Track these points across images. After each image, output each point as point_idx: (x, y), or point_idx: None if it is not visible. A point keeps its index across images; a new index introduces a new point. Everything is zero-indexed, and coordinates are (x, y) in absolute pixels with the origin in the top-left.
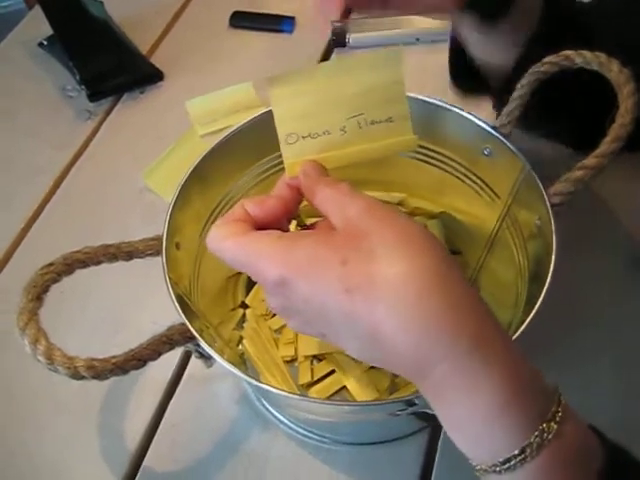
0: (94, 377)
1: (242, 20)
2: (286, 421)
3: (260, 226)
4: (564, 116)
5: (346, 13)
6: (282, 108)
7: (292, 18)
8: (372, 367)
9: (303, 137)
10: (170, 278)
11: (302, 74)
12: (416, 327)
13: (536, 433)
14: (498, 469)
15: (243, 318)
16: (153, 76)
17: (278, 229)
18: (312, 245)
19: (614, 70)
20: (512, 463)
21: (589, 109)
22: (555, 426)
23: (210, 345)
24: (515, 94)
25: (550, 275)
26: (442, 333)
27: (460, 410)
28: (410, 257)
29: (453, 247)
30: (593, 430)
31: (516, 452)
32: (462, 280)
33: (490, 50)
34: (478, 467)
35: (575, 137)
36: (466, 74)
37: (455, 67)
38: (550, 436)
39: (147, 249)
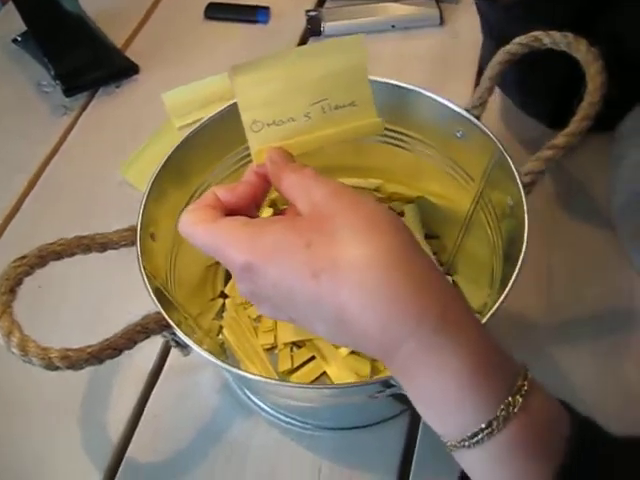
0: (69, 367)
1: (217, 11)
2: (268, 409)
3: (230, 212)
4: (540, 90)
5: (320, 1)
6: (246, 96)
7: (267, 8)
8: (352, 352)
9: (268, 124)
10: (145, 268)
11: (264, 62)
12: (381, 308)
13: (502, 407)
14: (467, 443)
15: (223, 308)
16: (129, 70)
17: (247, 216)
18: (278, 230)
19: (582, 50)
20: (480, 437)
21: (564, 85)
22: (520, 399)
23: (189, 335)
24: (485, 75)
25: (523, 254)
26: (407, 313)
27: (428, 388)
28: (374, 239)
29: (430, 231)
30: (563, 404)
31: (483, 426)
32: (427, 261)
33: None
34: (449, 443)
35: (550, 113)
36: None
37: None
38: (516, 409)
39: (121, 240)
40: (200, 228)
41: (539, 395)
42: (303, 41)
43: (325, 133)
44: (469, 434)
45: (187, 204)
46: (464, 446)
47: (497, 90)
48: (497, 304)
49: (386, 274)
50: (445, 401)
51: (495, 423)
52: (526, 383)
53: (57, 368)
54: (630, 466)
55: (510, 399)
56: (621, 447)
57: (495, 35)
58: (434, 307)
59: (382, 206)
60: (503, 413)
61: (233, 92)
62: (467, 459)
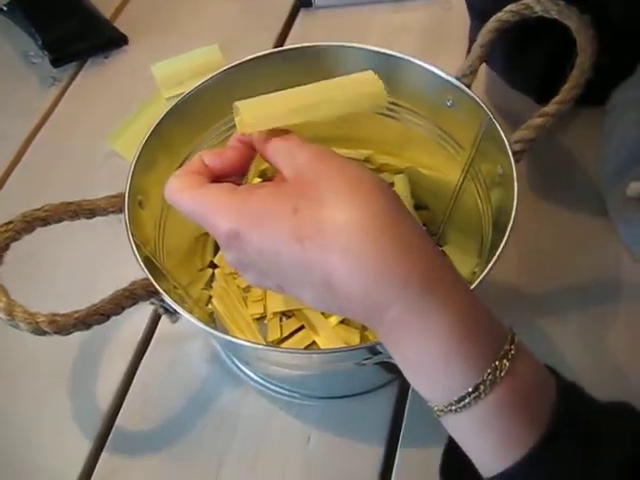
0: (56, 332)
1: None
2: (257, 378)
3: (216, 179)
4: (529, 63)
5: None
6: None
7: None
8: (341, 322)
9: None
10: (133, 235)
11: (271, 100)
12: (367, 272)
13: (489, 371)
14: (454, 408)
15: (212, 278)
16: (117, 40)
17: (234, 183)
18: (264, 196)
19: (573, 18)
20: (467, 401)
21: (552, 58)
22: (507, 364)
23: (179, 304)
24: (476, 43)
25: (512, 222)
26: (393, 276)
27: (414, 352)
28: (359, 202)
29: (420, 202)
30: (549, 369)
31: (470, 390)
32: (413, 224)
33: None
34: (436, 408)
35: (537, 86)
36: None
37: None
38: (502, 373)
39: (109, 206)
40: (186, 195)
41: (526, 359)
42: (294, 12)
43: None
44: (456, 398)
45: None
46: (451, 410)
47: (484, 66)
48: (485, 272)
49: (372, 238)
50: (432, 365)
51: (482, 387)
52: (513, 347)
53: (44, 333)
54: (613, 430)
55: (497, 363)
56: (605, 412)
57: (480, 15)
58: (420, 271)
59: (367, 170)
60: (490, 377)
61: (238, 128)
62: (454, 424)
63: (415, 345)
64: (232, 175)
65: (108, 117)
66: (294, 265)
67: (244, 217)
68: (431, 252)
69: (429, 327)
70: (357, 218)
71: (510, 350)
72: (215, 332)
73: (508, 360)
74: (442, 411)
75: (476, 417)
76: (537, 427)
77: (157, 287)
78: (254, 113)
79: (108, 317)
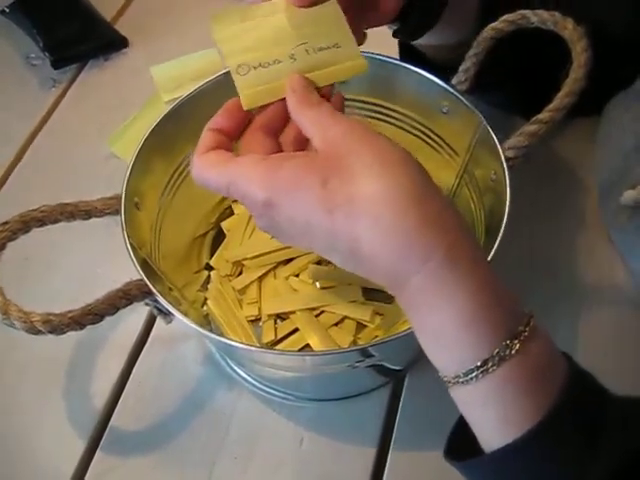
0: (51, 332)
1: None
2: (250, 379)
3: (233, 138)
4: (515, 83)
5: None
6: (228, 43)
7: None
8: (335, 325)
9: (254, 67)
10: (129, 236)
11: (243, 11)
12: (393, 244)
13: (499, 348)
14: (461, 380)
15: (208, 280)
16: (118, 43)
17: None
18: (294, 167)
19: (568, 28)
20: (474, 374)
21: (539, 76)
22: (518, 344)
23: (174, 306)
24: (471, 52)
25: (503, 227)
26: (417, 249)
27: (431, 320)
28: (388, 175)
29: None
30: (565, 356)
31: (478, 364)
32: (439, 197)
33: (430, 39)
34: (445, 379)
35: (525, 105)
36: (415, 57)
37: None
38: (513, 352)
39: (105, 208)
40: (215, 171)
41: (540, 342)
42: None
43: (312, 75)
44: (464, 371)
45: (172, 176)
46: (458, 382)
47: None
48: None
49: (399, 211)
50: (444, 335)
51: (490, 362)
52: (527, 329)
53: (39, 332)
54: (619, 423)
55: (508, 342)
56: (614, 403)
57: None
58: (443, 245)
59: (395, 144)
60: (499, 354)
61: (214, 39)
62: (461, 395)
63: (431, 314)
64: (239, 131)
65: (108, 119)
66: (323, 234)
67: (275, 187)
68: (455, 225)
69: (446, 299)
70: (385, 191)
71: (524, 331)
72: (209, 333)
73: (520, 341)
74: (450, 382)
75: (482, 390)
76: (541, 408)
77: (152, 288)
78: (251, 91)
79: (102, 317)
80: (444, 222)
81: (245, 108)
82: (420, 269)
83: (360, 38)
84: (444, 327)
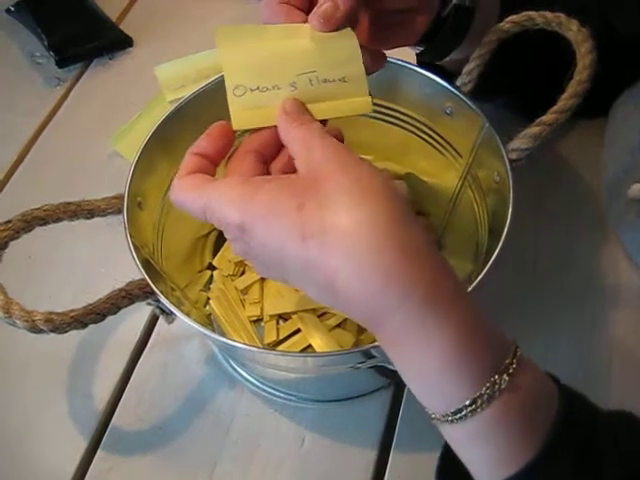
0: (52, 330)
1: None
2: (252, 380)
3: (216, 164)
4: (519, 84)
5: None
6: (231, 60)
7: None
8: (337, 326)
9: (251, 90)
10: (132, 236)
11: (252, 30)
12: (369, 280)
13: (487, 385)
14: (450, 419)
15: (210, 280)
16: (122, 42)
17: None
18: (273, 190)
19: (573, 30)
20: (463, 413)
21: (544, 77)
22: (507, 378)
23: (176, 306)
24: (475, 53)
25: (507, 228)
26: (394, 285)
27: (413, 361)
28: (365, 205)
29: (418, 209)
30: (553, 379)
31: (467, 403)
32: (418, 231)
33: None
34: (433, 417)
35: (529, 106)
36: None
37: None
38: (502, 387)
39: (108, 207)
40: (192, 194)
41: (528, 373)
42: None
43: (311, 106)
44: (452, 410)
45: (175, 175)
46: (447, 421)
47: None
48: (479, 277)
49: (375, 245)
50: (430, 376)
51: (479, 401)
52: (514, 361)
53: (41, 331)
54: (615, 446)
55: (496, 377)
56: (607, 425)
57: None
58: (422, 283)
59: (377, 172)
60: (488, 392)
61: (218, 54)
62: (450, 434)
63: (413, 354)
64: (222, 157)
65: (112, 118)
66: (297, 262)
67: (250, 210)
68: (434, 261)
69: (427, 339)
70: (362, 222)
71: (511, 364)
72: (210, 334)
73: (508, 375)
74: (439, 420)
75: (473, 430)
76: (536, 441)
77: (154, 289)
78: (242, 112)
79: (104, 316)
80: (422, 258)
81: (234, 128)
82: (398, 309)
83: (381, 61)
84: (428, 367)
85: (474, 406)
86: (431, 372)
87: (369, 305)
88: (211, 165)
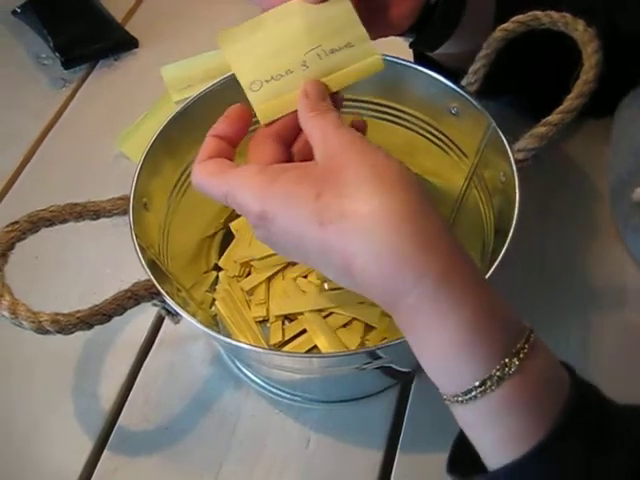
0: (58, 331)
1: None
2: (258, 380)
3: (235, 145)
4: (525, 84)
5: None
6: (238, 60)
7: None
8: (343, 326)
9: (267, 81)
10: (138, 237)
11: (250, 25)
12: (386, 262)
13: (497, 367)
14: (460, 399)
15: (216, 280)
16: (128, 43)
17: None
18: (291, 179)
19: (579, 29)
20: (473, 394)
21: (549, 77)
22: (517, 362)
23: (181, 307)
24: (481, 53)
25: (513, 228)
26: (411, 268)
27: (427, 341)
28: (383, 192)
29: None
30: (566, 367)
31: (477, 384)
32: (436, 217)
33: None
34: (445, 397)
35: (535, 106)
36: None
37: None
38: (512, 370)
39: (114, 208)
40: (214, 179)
41: (540, 358)
42: None
43: (327, 79)
44: (463, 390)
45: (180, 176)
46: (458, 401)
47: None
48: (486, 277)
49: (393, 229)
50: (443, 355)
51: (489, 382)
52: (527, 346)
53: (47, 332)
54: (627, 435)
55: (507, 360)
56: (620, 415)
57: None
58: (437, 264)
59: (394, 160)
60: (498, 373)
61: (224, 57)
62: (461, 414)
63: (427, 334)
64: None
65: (117, 119)
66: (316, 248)
67: (270, 199)
68: (450, 244)
69: (442, 318)
70: (379, 208)
71: (523, 348)
72: (216, 335)
73: (519, 359)
74: (450, 400)
75: (482, 410)
76: (545, 424)
77: (160, 289)
78: (265, 105)
79: (110, 317)
80: (439, 241)
81: (262, 123)
82: (413, 289)
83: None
84: (441, 347)
85: (483, 387)
86: (444, 352)
87: (385, 286)
88: (230, 147)
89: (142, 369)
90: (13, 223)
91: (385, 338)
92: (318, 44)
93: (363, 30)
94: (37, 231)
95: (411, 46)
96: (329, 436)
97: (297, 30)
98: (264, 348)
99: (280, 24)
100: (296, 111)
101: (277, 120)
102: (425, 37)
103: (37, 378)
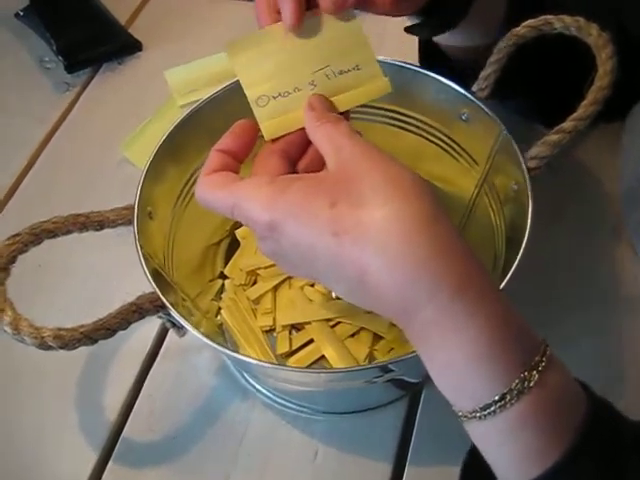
0: (61, 347)
1: None
2: (264, 391)
3: (241, 160)
4: (537, 90)
5: None
6: (246, 72)
7: None
8: (350, 336)
9: (274, 97)
10: (142, 247)
11: (259, 36)
12: (400, 272)
13: (517, 381)
14: (478, 415)
15: (222, 289)
16: (132, 46)
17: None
18: (303, 188)
19: (593, 34)
20: (492, 409)
21: (562, 83)
22: (537, 375)
23: (186, 317)
24: (492, 58)
25: (526, 239)
26: (425, 279)
27: (442, 356)
28: (397, 201)
29: None
30: (581, 384)
31: (496, 398)
32: (449, 226)
33: (456, 40)
34: (460, 414)
35: (548, 113)
36: (437, 57)
37: (425, 51)
38: (531, 384)
39: (118, 218)
40: (219, 192)
41: (557, 372)
42: None
43: (334, 99)
44: (481, 405)
45: (185, 184)
46: (475, 417)
47: None
48: (500, 287)
49: (408, 239)
50: (459, 370)
51: (508, 397)
52: (544, 359)
53: (50, 347)
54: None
55: (526, 374)
56: (636, 433)
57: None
58: (453, 275)
59: (408, 169)
60: (517, 387)
61: (232, 69)
62: (477, 431)
63: (443, 348)
64: (247, 152)
65: (121, 124)
66: (328, 259)
67: (280, 209)
68: (466, 255)
69: (458, 332)
70: (394, 217)
71: (541, 361)
72: (222, 349)
73: (538, 372)
74: (466, 417)
75: (500, 426)
76: (562, 442)
77: (164, 301)
78: (271, 121)
79: (114, 332)
80: (453, 251)
81: (267, 139)
82: (428, 302)
83: None
84: (457, 362)
85: (503, 402)
86: (461, 366)
87: (399, 298)
88: (235, 162)
89: (147, 379)
90: (15, 235)
91: (393, 348)
92: (327, 64)
93: (371, 51)
94: (40, 243)
95: (407, 30)
96: (337, 448)
97: (306, 47)
98: (272, 363)
99: (289, 38)
100: (302, 129)
101: (282, 137)
102: (433, 21)
103: (42, 389)
